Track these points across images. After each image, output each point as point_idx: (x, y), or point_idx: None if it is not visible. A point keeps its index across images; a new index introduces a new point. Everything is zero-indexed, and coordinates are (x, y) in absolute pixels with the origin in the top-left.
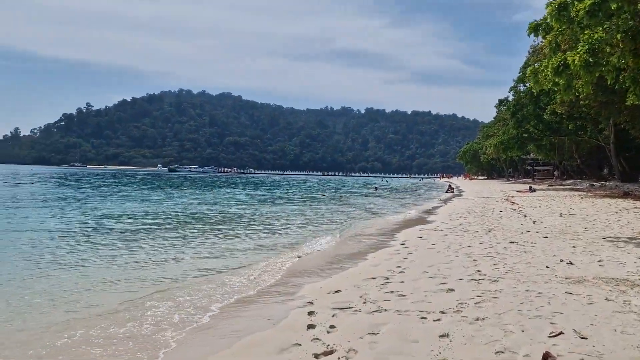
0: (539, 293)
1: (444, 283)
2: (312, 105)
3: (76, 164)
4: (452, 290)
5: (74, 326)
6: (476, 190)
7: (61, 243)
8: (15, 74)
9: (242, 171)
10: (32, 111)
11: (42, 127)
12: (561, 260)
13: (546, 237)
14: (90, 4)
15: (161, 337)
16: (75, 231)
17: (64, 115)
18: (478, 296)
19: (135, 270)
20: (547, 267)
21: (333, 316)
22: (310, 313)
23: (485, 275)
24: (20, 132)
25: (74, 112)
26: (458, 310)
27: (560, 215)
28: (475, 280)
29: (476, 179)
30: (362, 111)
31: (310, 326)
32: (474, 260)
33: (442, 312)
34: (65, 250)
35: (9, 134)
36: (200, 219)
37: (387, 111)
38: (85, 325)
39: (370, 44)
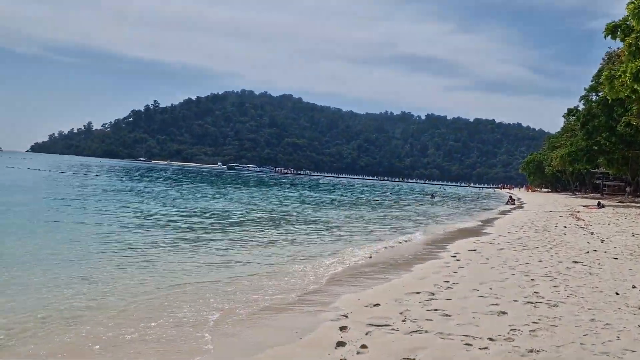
0: (607, 324)
1: (496, 304)
2: (371, 109)
3: (141, 159)
4: (504, 313)
5: (82, 322)
6: (539, 203)
7: (101, 237)
8: (92, 71)
9: (298, 172)
10: (104, 106)
11: (112, 122)
12: (634, 287)
13: (616, 258)
14: (165, 5)
15: (180, 340)
16: (118, 225)
17: (132, 111)
18: (534, 322)
19: (172, 270)
20: (617, 293)
21: (367, 334)
22: (342, 328)
23: (543, 298)
24: (92, 126)
25: (142, 108)
26: (509, 338)
27: (633, 234)
28: (531, 303)
29: (539, 191)
30: (423, 117)
31: (340, 344)
32: (532, 279)
33: (491, 340)
34: (101, 243)
35: (82, 128)
36: (249, 219)
37: (448, 118)
38: (96, 322)
39: (433, 50)
